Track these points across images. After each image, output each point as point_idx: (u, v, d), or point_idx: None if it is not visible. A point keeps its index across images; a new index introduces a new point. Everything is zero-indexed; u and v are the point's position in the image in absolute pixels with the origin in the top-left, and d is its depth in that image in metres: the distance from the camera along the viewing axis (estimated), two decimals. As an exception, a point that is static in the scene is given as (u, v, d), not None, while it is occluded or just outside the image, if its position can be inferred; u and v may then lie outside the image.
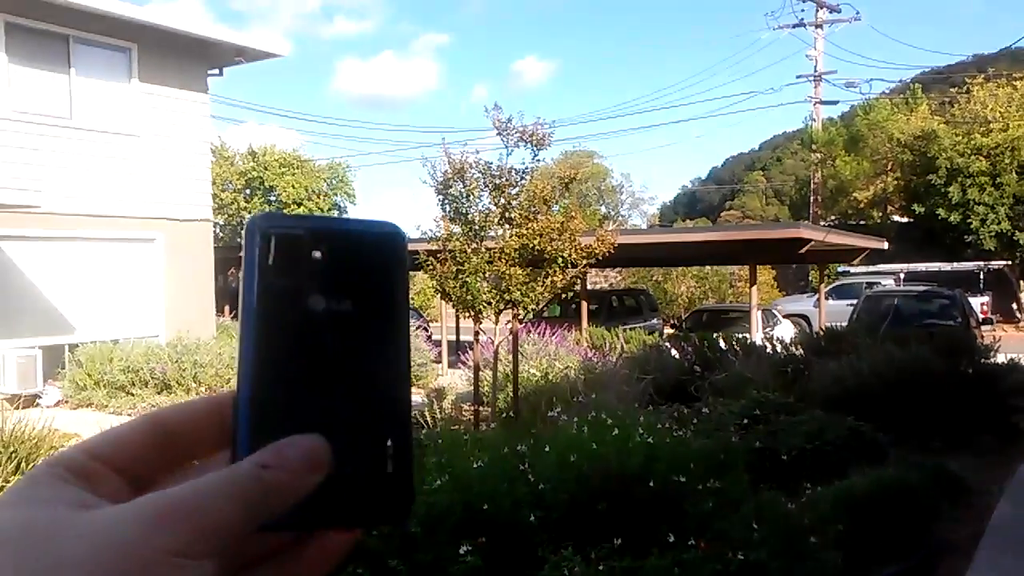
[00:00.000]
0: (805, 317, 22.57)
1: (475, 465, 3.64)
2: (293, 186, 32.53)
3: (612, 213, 45.40)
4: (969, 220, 24.68)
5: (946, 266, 25.09)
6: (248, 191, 32.92)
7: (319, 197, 33.64)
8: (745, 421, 7.05)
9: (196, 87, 14.75)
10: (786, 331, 17.82)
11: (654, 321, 21.69)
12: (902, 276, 24.53)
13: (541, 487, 3.65)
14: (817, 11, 33.41)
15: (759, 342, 12.92)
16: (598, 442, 3.87)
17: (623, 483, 3.65)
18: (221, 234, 32.15)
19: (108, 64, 13.62)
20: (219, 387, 11.26)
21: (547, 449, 3.92)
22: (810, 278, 29.60)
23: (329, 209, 34.48)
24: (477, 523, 3.41)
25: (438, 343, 17.20)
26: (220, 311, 17.78)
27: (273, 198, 32.86)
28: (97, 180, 13.37)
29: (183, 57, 14.32)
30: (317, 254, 0.43)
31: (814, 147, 32.67)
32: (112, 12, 12.80)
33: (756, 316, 15.83)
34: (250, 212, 32.53)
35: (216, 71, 15.32)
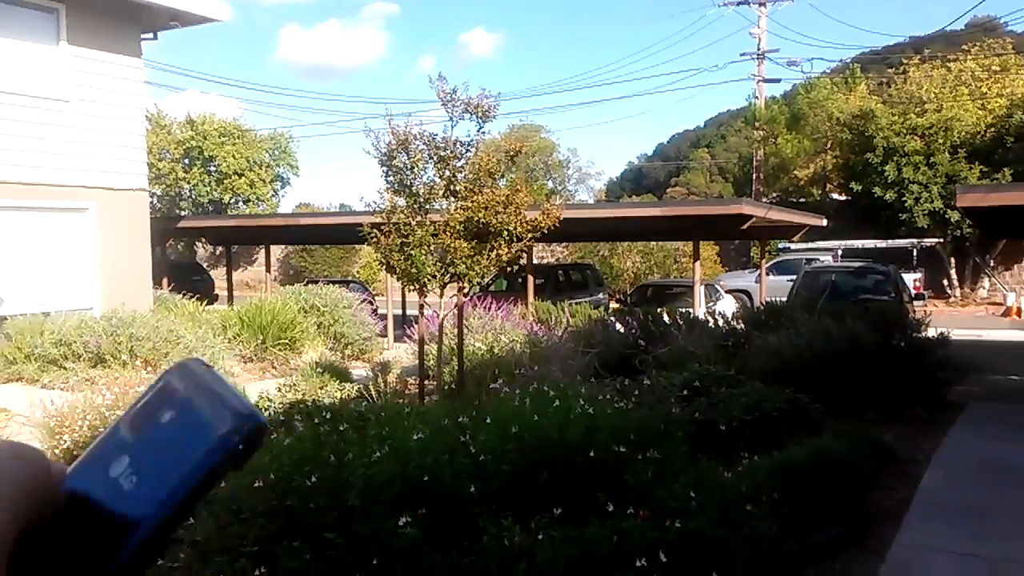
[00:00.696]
0: (747, 292, 23.00)
1: (416, 437, 3.60)
2: (234, 156, 31.73)
3: (559, 188, 45.46)
4: (904, 198, 25.36)
5: (881, 243, 25.81)
6: (187, 161, 32.02)
7: (261, 168, 32.89)
8: (686, 393, 7.14)
9: (129, 51, 14.21)
10: (728, 306, 18.14)
11: (600, 296, 21.85)
12: (839, 252, 25.15)
13: (482, 458, 3.63)
14: (762, -11, 33.72)
15: (702, 317, 13.11)
16: (540, 413, 3.86)
17: (564, 454, 3.66)
18: (159, 204, 31.26)
19: (34, 25, 13.01)
20: (156, 360, 10.96)
21: (489, 421, 3.90)
22: (752, 254, 30.15)
23: (272, 180, 33.77)
24: (417, 495, 3.38)
25: (383, 317, 17.06)
26: (158, 283, 17.32)
27: (213, 168, 32.02)
28: (25, 147, 12.81)
29: (114, 20, 13.76)
30: None
31: (757, 125, 33.13)
32: (38, -30, 12.22)
33: (699, 291, 16.06)
34: (189, 182, 31.74)
35: (150, 35, 14.77)
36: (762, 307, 14.13)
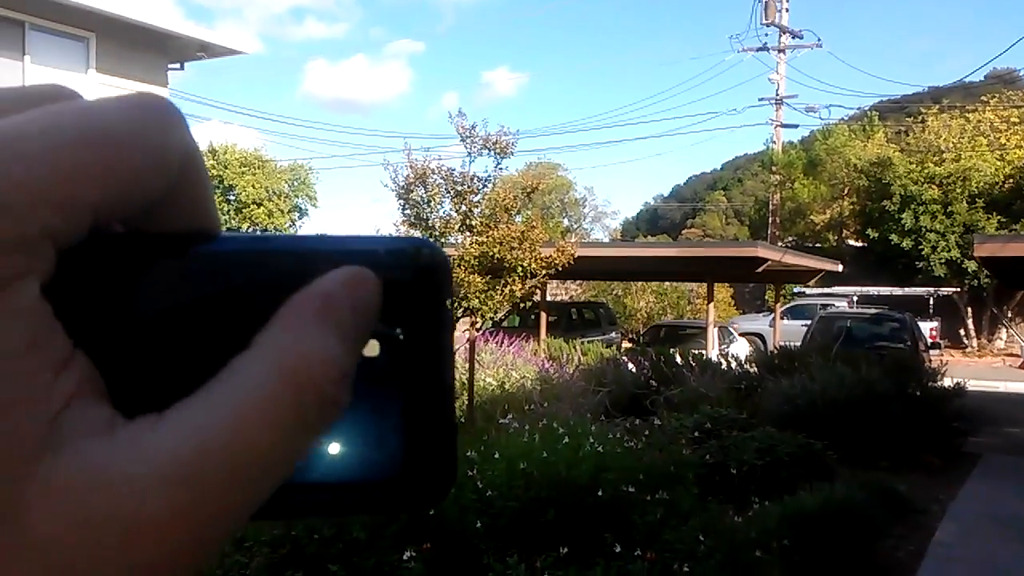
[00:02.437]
0: (760, 336, 22.86)
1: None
2: (253, 186, 32.10)
3: (574, 226, 45.63)
4: (920, 246, 25.26)
5: (897, 290, 25.65)
6: (207, 190, 32.40)
7: (280, 198, 33.25)
8: (697, 435, 7.07)
9: (156, 80, 14.48)
10: (741, 349, 18.02)
11: (612, 335, 21.78)
12: (855, 299, 25.01)
13: (489, 494, 3.60)
14: (780, 36, 34.08)
15: (715, 359, 13.03)
16: (549, 450, 3.83)
17: (572, 492, 3.62)
18: (178, 232, 31.54)
19: (65, 53, 13.30)
20: None
21: (497, 456, 3.88)
22: (766, 298, 30.04)
23: (289, 210, 34.12)
24: (422, 529, 3.35)
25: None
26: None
27: (232, 197, 32.40)
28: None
29: (143, 49, 14.05)
30: None
31: (774, 169, 33.22)
32: (71, 0, 12.52)
33: (712, 333, 15.99)
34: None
35: (177, 65, 15.06)
36: (776, 351, 14.03)
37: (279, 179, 33.44)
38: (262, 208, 32.20)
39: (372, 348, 0.31)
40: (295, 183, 34.67)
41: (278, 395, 0.25)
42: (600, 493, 3.59)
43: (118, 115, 0.26)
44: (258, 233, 0.35)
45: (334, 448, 0.31)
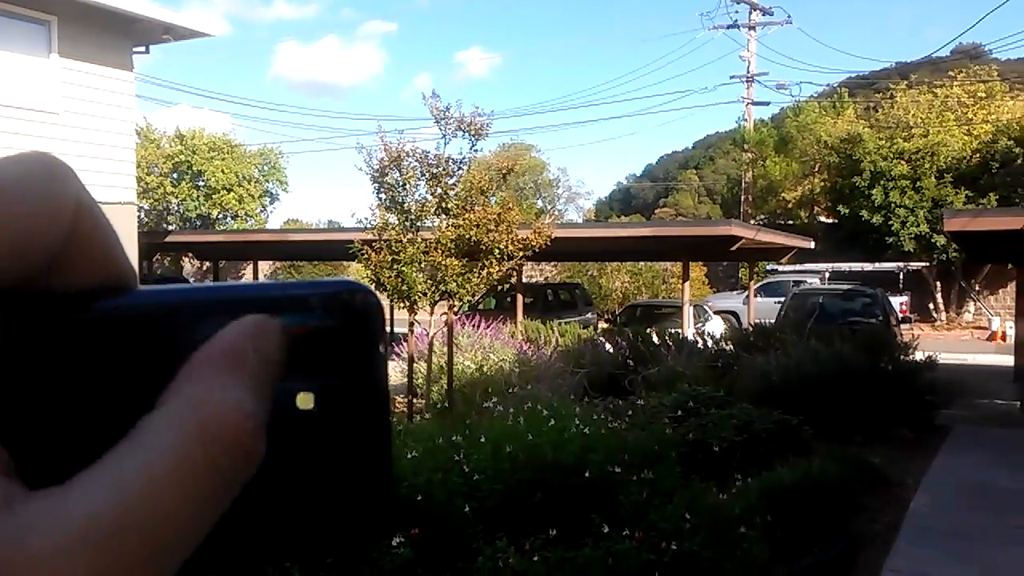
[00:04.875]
0: (735, 313, 23.07)
1: (408, 456, 3.57)
2: (223, 171, 31.66)
3: (548, 207, 45.61)
4: (890, 222, 25.58)
5: (868, 266, 25.99)
6: (175, 175, 31.92)
7: (250, 183, 32.83)
8: (679, 414, 7.14)
9: (120, 64, 14.17)
10: (717, 327, 18.18)
11: (588, 315, 21.86)
12: (827, 275, 25.30)
13: (476, 478, 3.60)
14: (751, 13, 34.15)
15: (691, 337, 13.13)
16: (534, 433, 3.84)
17: (558, 474, 3.63)
18: (146, 219, 31.11)
19: (25, 37, 12.97)
20: None
21: (483, 440, 3.88)
22: (740, 275, 30.28)
23: (260, 196, 33.72)
24: (410, 514, 3.35)
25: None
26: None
27: (201, 183, 31.94)
28: (12, 158, 12.73)
29: (106, 32, 13.74)
30: None
31: (746, 147, 33.40)
32: (31, -18, 12.20)
33: (688, 312, 16.09)
34: (177, 197, 31.63)
35: (142, 48, 14.75)
36: (751, 328, 14.16)
37: (249, 164, 33.03)
38: (232, 194, 31.82)
39: (306, 401, 0.31)
40: (265, 168, 34.26)
41: (189, 451, 0.25)
42: (587, 474, 3.61)
43: (3, 171, 0.26)
44: (177, 285, 0.33)
45: (272, 498, 0.30)
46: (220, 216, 32.29)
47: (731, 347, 12.12)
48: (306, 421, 0.31)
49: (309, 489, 0.31)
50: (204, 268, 34.51)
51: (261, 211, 34.09)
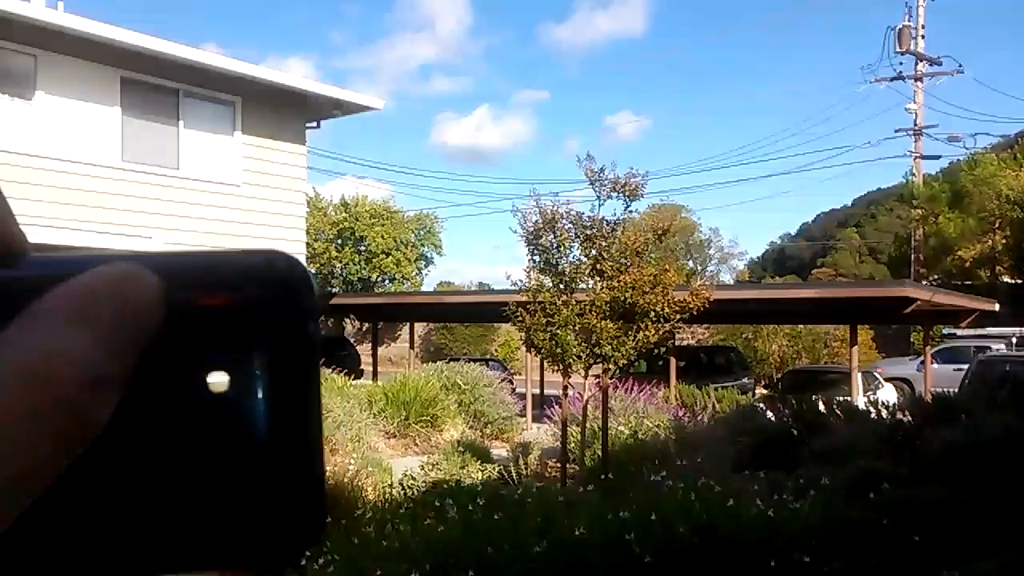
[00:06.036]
0: (907, 381, 21.42)
1: (576, 532, 3.38)
2: (383, 236, 33.23)
3: (700, 268, 44.64)
4: (1088, 282, 23.11)
5: (1063, 330, 23.44)
6: (339, 241, 33.80)
7: (407, 247, 34.24)
8: (857, 491, 6.52)
9: (294, 139, 15.23)
10: (889, 395, 16.86)
11: (745, 380, 20.96)
12: (1014, 340, 23.01)
13: (647, 560, 3.35)
14: (916, 64, 32.47)
15: (862, 406, 12.20)
16: (708, 512, 3.56)
17: (738, 558, 3.32)
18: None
19: (214, 117, 14.20)
20: (344, 446, 10.89)
21: (652, 517, 3.63)
22: (912, 340, 28.20)
23: (416, 259, 35.06)
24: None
25: (522, 396, 16.95)
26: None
27: (363, 248, 33.62)
28: (200, 228, 13.85)
29: (283, 110, 14.83)
30: None
31: (915, 203, 31.41)
32: (220, 67, 13.39)
33: (857, 378, 15.04)
34: (340, 261, 33.44)
35: (314, 124, 15.80)
36: (931, 398, 12.99)
37: (406, 229, 34.51)
38: (391, 258, 33.28)
39: (220, 381, 0.27)
40: (421, 232, 35.67)
41: (16, 397, 0.23)
42: (772, 563, 3.27)
43: None
44: (75, 254, 0.29)
45: (169, 495, 0.27)
46: (379, 279, 33.79)
47: (909, 418, 11.13)
48: (217, 404, 0.27)
49: (217, 485, 0.27)
50: (364, 328, 36.08)
51: (417, 274, 35.40)
